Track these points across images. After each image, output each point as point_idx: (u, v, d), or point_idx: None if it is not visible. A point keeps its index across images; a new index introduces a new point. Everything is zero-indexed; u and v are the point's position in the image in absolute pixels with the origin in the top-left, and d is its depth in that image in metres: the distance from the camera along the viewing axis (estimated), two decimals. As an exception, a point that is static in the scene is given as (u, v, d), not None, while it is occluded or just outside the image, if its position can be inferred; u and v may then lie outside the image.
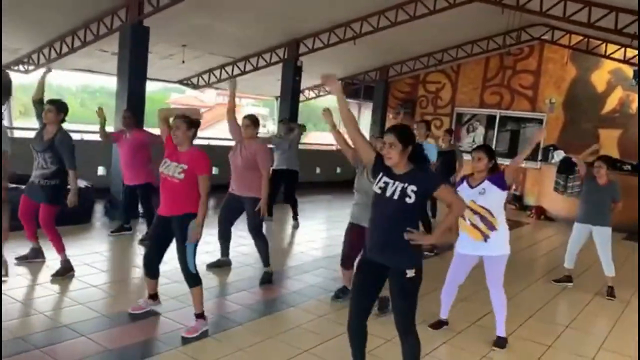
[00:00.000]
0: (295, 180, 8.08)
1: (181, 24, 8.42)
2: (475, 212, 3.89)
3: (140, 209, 7.32)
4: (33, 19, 7.85)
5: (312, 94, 14.41)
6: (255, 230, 5.25)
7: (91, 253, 5.77)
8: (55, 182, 4.72)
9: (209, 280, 5.18)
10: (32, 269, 5.00)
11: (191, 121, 3.86)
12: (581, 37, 10.59)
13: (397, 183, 2.85)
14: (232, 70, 11.14)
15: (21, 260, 5.10)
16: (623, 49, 10.10)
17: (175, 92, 34.90)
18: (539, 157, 12.24)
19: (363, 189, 4.55)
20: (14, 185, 5.21)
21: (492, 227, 3.89)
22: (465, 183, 3.98)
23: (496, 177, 3.88)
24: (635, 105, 11.45)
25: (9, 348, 3.35)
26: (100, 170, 9.02)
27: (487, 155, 3.91)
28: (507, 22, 9.92)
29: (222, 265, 5.62)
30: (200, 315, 3.93)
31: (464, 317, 4.64)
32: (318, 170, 13.22)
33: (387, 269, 2.96)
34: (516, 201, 12.38)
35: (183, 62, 9.91)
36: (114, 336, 3.79)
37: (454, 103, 13.73)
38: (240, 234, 5.93)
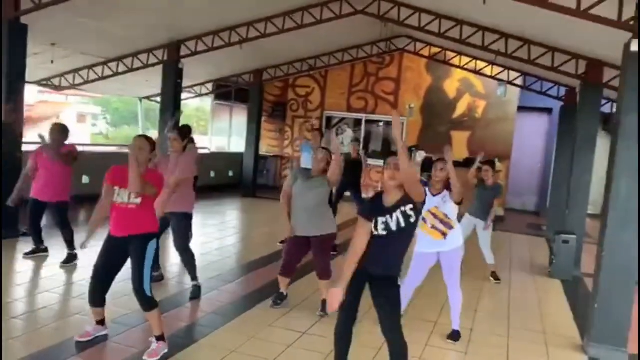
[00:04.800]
0: None
1: (51, 21, 7.67)
2: (436, 217, 4.29)
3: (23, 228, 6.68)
4: None
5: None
6: (184, 246, 5.12)
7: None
8: None
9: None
10: None
11: (153, 142, 3.72)
12: (439, 50, 11.80)
13: (395, 214, 3.06)
14: (103, 71, 10.39)
15: None
16: (474, 61, 11.48)
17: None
18: (402, 157, 13.37)
19: (301, 195, 4.71)
20: None
21: (450, 227, 4.33)
22: (428, 191, 4.33)
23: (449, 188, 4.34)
24: (480, 110, 13.09)
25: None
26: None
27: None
28: (378, 33, 10.73)
29: (156, 280, 5.33)
30: (160, 338, 3.77)
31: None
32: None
33: (376, 278, 3.18)
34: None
35: (52, 62, 9.01)
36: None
37: (324, 107, 14.35)
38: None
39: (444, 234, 4.35)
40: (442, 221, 4.33)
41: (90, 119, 28.49)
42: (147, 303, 3.70)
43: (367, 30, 10.89)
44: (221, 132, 14.99)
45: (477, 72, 11.83)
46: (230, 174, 14.11)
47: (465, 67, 11.76)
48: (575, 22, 5.19)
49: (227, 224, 9.67)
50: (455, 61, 11.93)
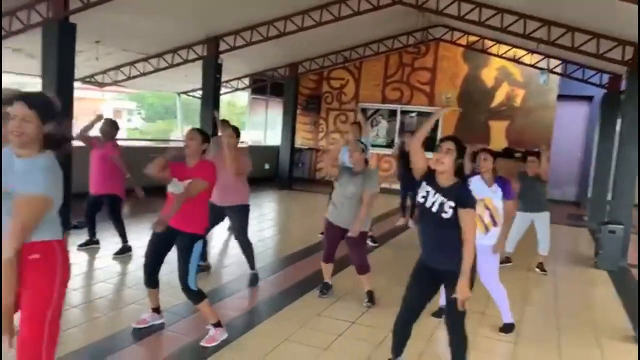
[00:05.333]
0: None
1: (95, 20, 7.88)
2: (487, 208, 4.26)
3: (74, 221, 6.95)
4: None
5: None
6: (243, 237, 5.30)
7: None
8: None
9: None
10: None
11: (206, 135, 3.83)
12: (477, 38, 11.63)
13: (437, 195, 3.05)
14: (144, 68, 10.62)
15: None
16: (513, 49, 11.29)
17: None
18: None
19: (342, 186, 4.77)
20: None
21: (495, 223, 4.29)
22: (481, 180, 4.32)
23: (502, 183, 4.31)
24: (519, 99, 12.87)
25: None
26: None
27: (491, 155, 4.31)
28: (414, 23, 10.64)
29: (203, 270, 5.48)
30: (217, 324, 3.88)
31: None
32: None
33: (443, 274, 3.16)
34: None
35: (97, 59, 9.26)
36: (125, 356, 3.64)
37: (358, 98, 14.32)
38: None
39: (487, 228, 4.29)
40: (490, 214, 4.28)
41: (126, 114, 29.08)
42: (194, 297, 3.83)
43: (403, 21, 10.81)
44: (257, 125, 15.13)
45: (516, 61, 11.63)
46: (267, 167, 14.25)
47: (504, 55, 11.57)
48: (622, 6, 5.07)
49: (265, 217, 9.78)
50: (494, 50, 11.76)
